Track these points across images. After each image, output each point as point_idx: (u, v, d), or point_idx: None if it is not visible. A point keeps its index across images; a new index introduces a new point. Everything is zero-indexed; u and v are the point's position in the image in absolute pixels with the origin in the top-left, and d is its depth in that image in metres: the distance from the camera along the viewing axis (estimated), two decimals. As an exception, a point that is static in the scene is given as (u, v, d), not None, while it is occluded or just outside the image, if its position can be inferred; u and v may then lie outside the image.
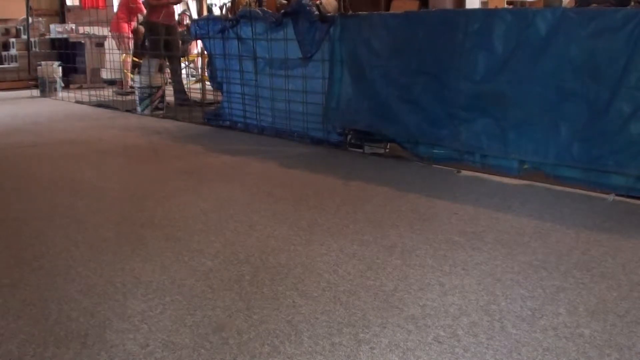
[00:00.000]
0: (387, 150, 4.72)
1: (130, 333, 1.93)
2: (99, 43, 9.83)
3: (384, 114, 4.39)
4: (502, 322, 2.00)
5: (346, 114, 4.71)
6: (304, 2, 4.89)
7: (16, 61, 10.14)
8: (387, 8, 6.98)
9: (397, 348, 1.83)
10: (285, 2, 6.87)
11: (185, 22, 11.14)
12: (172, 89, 7.88)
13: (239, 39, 5.65)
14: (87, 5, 11.43)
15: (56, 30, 10.43)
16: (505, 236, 2.82)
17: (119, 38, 9.04)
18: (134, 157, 4.77)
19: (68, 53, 9.67)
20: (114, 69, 8.70)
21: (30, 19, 10.10)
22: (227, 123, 6.06)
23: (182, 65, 11.43)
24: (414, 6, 6.80)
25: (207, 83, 7.13)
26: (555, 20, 3.44)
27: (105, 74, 9.58)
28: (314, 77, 4.93)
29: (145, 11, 8.66)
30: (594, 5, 4.40)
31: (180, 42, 8.67)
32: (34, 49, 10.12)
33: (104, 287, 2.28)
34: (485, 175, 3.97)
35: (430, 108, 4.11)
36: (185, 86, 8.26)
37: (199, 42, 8.13)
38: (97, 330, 1.95)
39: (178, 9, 11.57)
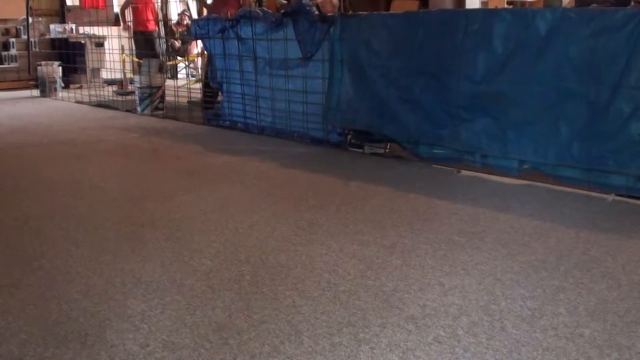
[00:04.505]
0: (387, 150, 4.72)
1: (130, 333, 1.93)
2: (99, 43, 9.83)
3: (384, 114, 4.39)
4: (502, 322, 2.00)
5: (346, 114, 4.71)
6: (304, 2, 4.89)
7: (16, 61, 10.13)
8: (387, 8, 6.99)
9: (397, 348, 1.83)
10: (285, 2, 6.87)
11: (185, 22, 11.15)
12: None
13: (239, 39, 5.65)
14: (87, 5, 11.42)
15: (56, 30, 10.43)
16: (505, 236, 2.82)
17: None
18: (134, 157, 4.77)
19: (68, 53, 9.66)
20: (114, 69, 8.69)
21: (30, 19, 10.09)
22: (227, 123, 6.06)
23: (183, 65, 11.48)
24: (414, 6, 6.81)
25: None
26: (555, 20, 3.44)
27: (105, 74, 9.58)
28: (314, 77, 4.93)
29: None
30: (594, 5, 4.40)
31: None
32: (34, 49, 10.12)
33: (104, 287, 2.28)
34: (485, 175, 3.97)
35: (430, 108, 4.11)
36: (185, 86, 8.26)
37: (199, 42, 8.13)
38: (97, 330, 1.95)
39: (178, 8, 11.61)
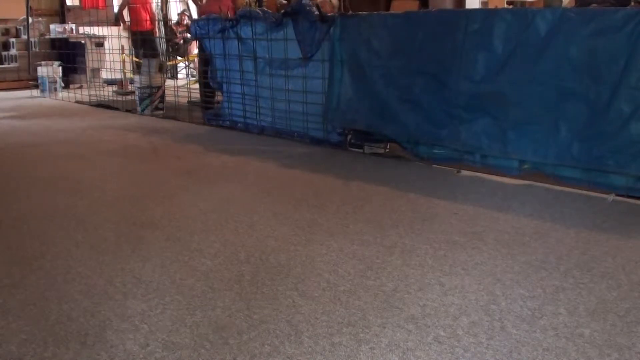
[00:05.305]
0: (387, 150, 4.72)
1: (130, 333, 1.93)
2: (99, 43, 9.83)
3: (384, 114, 4.39)
4: (502, 322, 2.00)
5: (346, 114, 4.71)
6: (304, 2, 4.89)
7: (16, 61, 10.13)
8: (387, 8, 6.99)
9: (397, 348, 1.84)
10: (285, 2, 6.86)
11: (185, 22, 11.15)
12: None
13: (239, 39, 5.65)
14: (87, 5, 11.42)
15: (56, 30, 10.43)
16: (505, 236, 2.82)
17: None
18: (134, 157, 4.77)
19: (68, 53, 9.66)
20: (114, 69, 8.70)
21: (30, 19, 10.09)
22: (227, 123, 6.06)
23: (183, 65, 11.48)
24: (414, 6, 6.81)
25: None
26: (555, 20, 3.44)
27: (105, 74, 9.58)
28: (314, 77, 4.93)
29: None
30: (594, 5, 4.40)
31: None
32: (34, 49, 10.11)
33: (104, 287, 2.28)
34: (485, 175, 3.97)
35: (430, 108, 4.11)
36: (185, 86, 8.26)
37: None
38: (97, 330, 1.95)
39: (178, 8, 11.61)
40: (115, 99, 8.34)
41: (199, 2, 7.77)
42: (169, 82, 8.08)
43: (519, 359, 1.78)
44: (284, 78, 5.23)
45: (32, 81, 9.43)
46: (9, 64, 10.23)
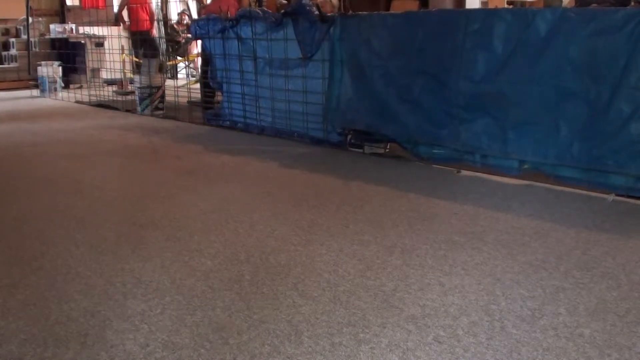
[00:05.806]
0: (387, 150, 4.72)
1: (130, 333, 1.93)
2: (99, 43, 9.83)
3: (384, 114, 4.39)
4: (502, 322, 2.00)
5: (346, 114, 4.71)
6: (304, 2, 4.89)
7: (16, 61, 10.13)
8: (387, 8, 7.00)
9: (397, 348, 1.84)
10: (285, 2, 6.87)
11: (185, 22, 11.15)
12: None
13: (239, 39, 5.65)
14: (87, 5, 11.42)
15: (56, 30, 10.43)
16: (505, 236, 2.82)
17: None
18: (134, 157, 4.77)
19: (68, 53, 9.67)
20: (114, 69, 8.70)
21: (30, 19, 10.09)
22: (227, 123, 6.06)
23: (182, 65, 11.48)
24: (414, 6, 6.82)
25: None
26: (555, 20, 3.44)
27: (105, 74, 9.58)
28: (314, 77, 4.93)
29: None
30: (594, 5, 4.40)
31: None
32: (34, 49, 10.11)
33: (104, 287, 2.28)
34: (485, 175, 3.97)
35: (430, 108, 4.11)
36: (185, 86, 8.26)
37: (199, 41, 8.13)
38: (97, 330, 1.95)
39: (178, 7, 11.61)
40: (115, 99, 8.34)
41: (203, 2, 7.78)
42: (169, 82, 8.07)
43: (519, 359, 1.78)
44: (284, 78, 5.23)
45: (32, 81, 9.43)
46: (9, 64, 10.23)
